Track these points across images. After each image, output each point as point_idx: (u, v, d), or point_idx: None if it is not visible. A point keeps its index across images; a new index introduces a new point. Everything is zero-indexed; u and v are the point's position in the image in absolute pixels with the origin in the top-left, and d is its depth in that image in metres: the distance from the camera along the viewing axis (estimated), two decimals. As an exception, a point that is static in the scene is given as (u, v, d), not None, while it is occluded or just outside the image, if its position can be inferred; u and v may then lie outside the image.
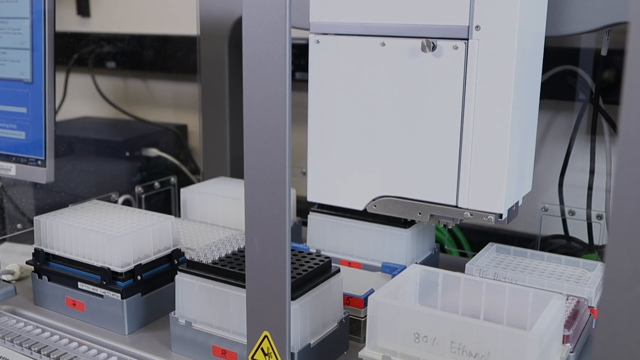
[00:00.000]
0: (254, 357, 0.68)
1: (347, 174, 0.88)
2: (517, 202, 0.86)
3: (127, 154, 1.39)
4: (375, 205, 0.87)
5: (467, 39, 0.77)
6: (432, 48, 0.78)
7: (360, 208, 0.88)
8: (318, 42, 0.86)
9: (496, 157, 0.78)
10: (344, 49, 0.85)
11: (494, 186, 0.79)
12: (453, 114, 0.80)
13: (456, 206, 0.82)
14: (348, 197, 0.89)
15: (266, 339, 0.67)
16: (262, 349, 0.67)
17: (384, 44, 0.82)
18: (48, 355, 0.80)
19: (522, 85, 0.79)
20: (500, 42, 0.76)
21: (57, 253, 0.88)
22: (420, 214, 0.84)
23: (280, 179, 0.61)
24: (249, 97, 0.62)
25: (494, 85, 0.77)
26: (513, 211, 0.85)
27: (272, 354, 0.67)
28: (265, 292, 0.65)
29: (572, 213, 1.11)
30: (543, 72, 0.88)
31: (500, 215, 0.81)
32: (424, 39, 0.79)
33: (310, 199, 0.92)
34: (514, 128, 0.79)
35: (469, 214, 0.81)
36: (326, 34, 0.86)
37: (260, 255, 0.64)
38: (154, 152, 1.43)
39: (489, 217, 0.80)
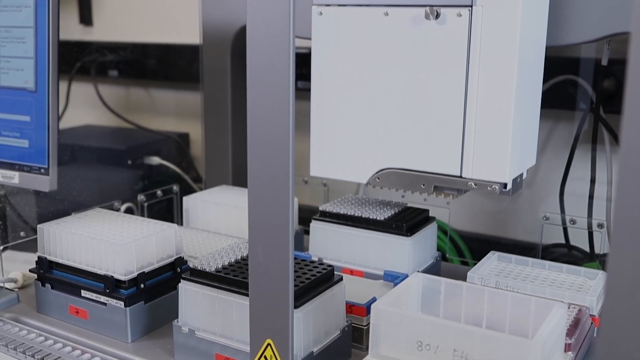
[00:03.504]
0: None
1: (350, 147, 0.87)
2: (522, 174, 0.86)
3: (130, 162, 1.39)
4: (378, 178, 0.86)
5: (471, 6, 0.77)
6: (436, 16, 0.78)
7: (364, 182, 0.87)
8: (321, 13, 0.86)
9: (501, 125, 0.78)
10: (347, 20, 0.85)
11: (499, 155, 0.78)
12: (457, 83, 0.79)
13: (460, 176, 0.81)
14: (351, 171, 0.88)
15: (269, 346, 0.67)
16: (265, 357, 0.68)
17: (387, 14, 0.82)
18: (51, 363, 0.80)
19: (526, 54, 0.79)
20: (505, 8, 0.75)
21: (60, 261, 0.88)
22: (424, 185, 0.84)
23: (284, 186, 0.62)
24: (253, 106, 0.62)
25: (498, 52, 0.77)
26: (517, 183, 0.84)
27: None
28: (269, 299, 0.65)
29: (573, 222, 1.11)
30: (544, 82, 0.88)
31: (505, 185, 0.79)
32: (428, 7, 0.78)
33: (313, 173, 0.91)
34: (519, 96, 0.78)
35: (473, 184, 0.80)
36: (329, 5, 0.86)
37: (263, 262, 0.65)
38: (156, 160, 1.43)
39: (493, 186, 0.79)
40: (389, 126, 0.84)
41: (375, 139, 0.85)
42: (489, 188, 0.79)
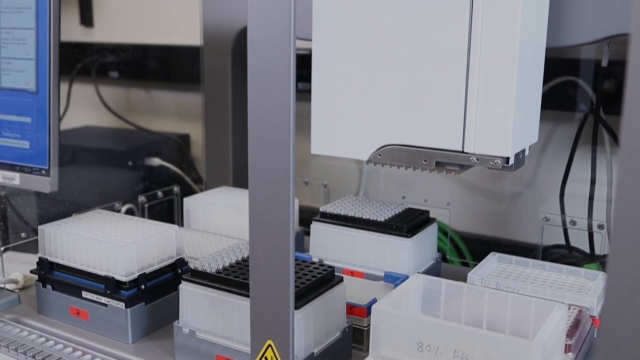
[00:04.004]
0: None
1: (351, 124, 0.85)
2: (524, 151, 0.84)
3: (130, 163, 1.39)
4: (379, 155, 0.85)
5: None
6: None
7: (365, 158, 0.85)
8: None
9: (503, 98, 0.76)
10: None
11: (501, 128, 0.77)
12: (459, 56, 0.77)
13: (462, 151, 0.79)
14: (352, 148, 0.86)
15: (270, 347, 0.67)
16: (265, 358, 0.68)
17: None
18: (52, 364, 0.80)
19: (528, 27, 0.77)
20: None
21: (61, 262, 0.88)
22: (425, 161, 0.82)
23: (285, 187, 0.62)
24: (254, 107, 0.63)
25: (501, 23, 0.75)
26: (520, 159, 0.83)
27: None
28: (269, 300, 0.65)
29: (574, 223, 1.11)
30: (544, 84, 0.89)
31: (507, 160, 0.78)
32: None
33: (314, 151, 0.88)
34: (521, 69, 0.76)
35: (475, 158, 0.79)
36: None
37: (264, 263, 0.65)
38: (156, 161, 1.43)
39: (495, 161, 0.77)
40: (390, 102, 0.83)
41: (376, 115, 0.84)
42: (491, 162, 0.78)
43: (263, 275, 0.65)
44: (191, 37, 1.41)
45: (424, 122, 0.81)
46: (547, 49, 0.87)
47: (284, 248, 0.63)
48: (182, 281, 0.78)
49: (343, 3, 0.83)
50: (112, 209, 1.19)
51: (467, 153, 0.79)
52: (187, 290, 0.78)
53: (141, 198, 1.26)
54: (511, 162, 0.79)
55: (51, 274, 0.89)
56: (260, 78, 0.62)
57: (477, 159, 0.79)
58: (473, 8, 0.75)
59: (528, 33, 0.78)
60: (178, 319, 0.79)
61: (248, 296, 0.71)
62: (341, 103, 0.86)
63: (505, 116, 0.76)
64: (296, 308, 0.71)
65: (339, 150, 0.87)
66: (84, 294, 0.86)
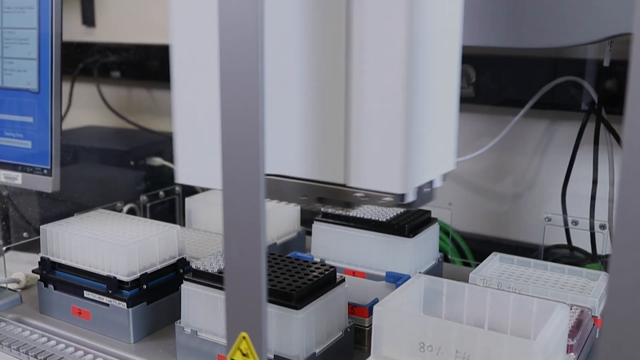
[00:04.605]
0: (233, 358, 0.68)
1: (215, 151, 0.68)
2: (432, 182, 0.69)
3: (132, 163, 1.39)
4: None
5: None
6: None
7: None
8: None
9: (388, 120, 0.60)
10: None
11: (389, 159, 0.61)
12: (337, 69, 0.62)
13: (345, 185, 0.64)
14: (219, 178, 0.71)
15: (244, 339, 0.67)
16: (240, 350, 0.68)
17: None
18: (54, 363, 0.80)
19: (423, 30, 0.61)
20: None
21: (63, 262, 0.88)
22: (305, 197, 0.67)
23: (255, 183, 0.62)
24: (225, 106, 0.62)
25: (382, 22, 0.60)
26: (426, 193, 0.67)
27: (250, 354, 0.67)
28: (242, 293, 0.65)
29: (575, 223, 1.11)
30: (546, 83, 0.88)
31: (402, 197, 0.62)
32: None
33: (178, 180, 0.73)
34: (414, 84, 0.61)
35: (361, 195, 0.64)
36: None
37: (237, 258, 0.65)
38: (158, 161, 1.43)
39: (385, 198, 0.62)
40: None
41: None
42: (379, 201, 0.63)
43: (236, 269, 0.65)
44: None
45: (301, 148, 0.66)
46: (549, 49, 0.87)
47: (255, 243, 0.63)
48: (183, 281, 0.78)
49: (205, 12, 0.68)
50: (113, 208, 1.19)
51: (351, 188, 0.64)
52: (189, 290, 0.78)
53: (143, 198, 1.26)
54: (409, 198, 0.63)
55: (53, 274, 0.89)
56: (230, 78, 0.61)
57: (364, 196, 0.64)
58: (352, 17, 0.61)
59: (425, 38, 0.62)
60: (180, 318, 0.79)
61: (250, 296, 0.72)
62: (206, 128, 0.70)
63: (393, 144, 0.61)
64: (298, 308, 0.71)
65: (206, 180, 0.71)
66: (86, 293, 0.86)
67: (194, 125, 0.72)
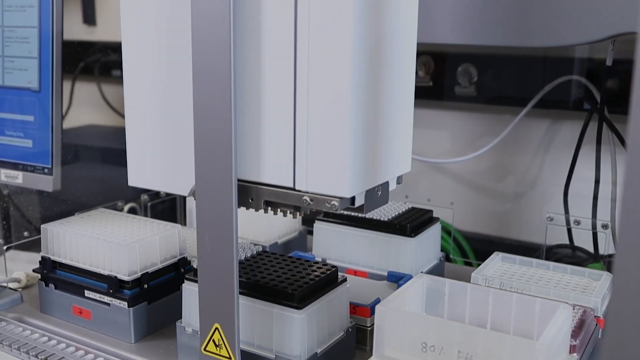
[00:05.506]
0: (206, 349, 0.69)
1: (167, 153, 0.71)
2: (386, 184, 0.69)
3: (133, 162, 1.39)
4: None
5: None
6: None
7: (186, 194, 0.70)
8: None
9: (335, 121, 0.60)
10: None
11: (336, 162, 0.61)
12: (284, 72, 0.62)
13: (293, 189, 0.65)
14: (171, 182, 0.73)
15: (217, 330, 0.68)
16: (213, 341, 0.68)
17: None
18: (54, 363, 0.80)
19: (372, 31, 0.62)
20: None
21: (63, 261, 0.88)
22: (252, 200, 0.67)
23: (227, 184, 0.63)
24: (198, 107, 0.63)
25: (329, 23, 0.59)
26: (377, 196, 0.67)
27: (223, 345, 0.68)
28: (215, 285, 0.66)
29: (578, 222, 1.11)
30: (548, 82, 0.88)
31: (352, 201, 0.64)
32: None
33: (131, 183, 0.75)
34: (362, 83, 0.61)
35: (308, 198, 0.64)
36: None
37: (210, 251, 0.66)
38: (159, 160, 1.43)
39: (332, 202, 0.62)
40: None
41: (190, 142, 0.67)
42: (327, 204, 0.62)
43: (209, 261, 0.66)
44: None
45: (248, 151, 0.66)
46: (551, 48, 0.86)
47: (228, 236, 0.64)
48: (185, 280, 0.78)
49: (152, 11, 0.71)
50: (114, 207, 1.19)
51: (299, 191, 0.65)
52: (190, 290, 0.78)
53: (144, 197, 1.26)
54: (360, 202, 0.64)
55: (54, 273, 0.89)
56: (203, 78, 0.62)
57: (311, 199, 0.64)
58: (297, 23, 0.61)
59: (371, 48, 0.62)
60: (181, 318, 0.79)
61: (250, 296, 0.72)
62: (155, 130, 0.71)
63: (339, 147, 0.60)
64: (299, 308, 0.71)
65: (157, 183, 0.73)
66: (87, 293, 0.86)
67: (144, 128, 0.72)
